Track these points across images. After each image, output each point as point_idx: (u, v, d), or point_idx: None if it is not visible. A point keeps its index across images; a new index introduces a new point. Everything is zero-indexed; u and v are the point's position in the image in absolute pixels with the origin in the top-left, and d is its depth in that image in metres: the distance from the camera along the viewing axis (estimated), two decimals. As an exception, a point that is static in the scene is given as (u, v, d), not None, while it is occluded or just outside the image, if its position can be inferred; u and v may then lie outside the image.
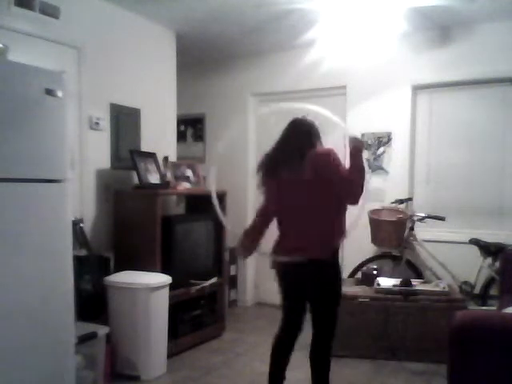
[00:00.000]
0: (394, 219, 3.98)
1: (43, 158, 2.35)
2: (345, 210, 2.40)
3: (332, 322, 2.42)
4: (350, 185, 2.26)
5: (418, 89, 4.32)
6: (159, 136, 4.15)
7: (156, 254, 3.41)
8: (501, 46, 3.91)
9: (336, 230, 2.37)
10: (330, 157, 2.31)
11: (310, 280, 2.35)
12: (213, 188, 2.58)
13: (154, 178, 3.69)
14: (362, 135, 4.40)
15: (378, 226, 3.98)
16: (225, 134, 2.74)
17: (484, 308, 3.74)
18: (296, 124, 2.49)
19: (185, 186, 3.93)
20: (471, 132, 4.15)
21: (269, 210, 2.51)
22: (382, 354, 3.49)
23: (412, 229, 4.02)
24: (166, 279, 3.25)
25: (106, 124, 3.64)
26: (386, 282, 3.71)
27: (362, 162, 2.31)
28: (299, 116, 2.52)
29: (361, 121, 4.42)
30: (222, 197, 4.10)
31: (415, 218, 4.01)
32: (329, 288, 2.38)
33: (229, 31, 4.26)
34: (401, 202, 4.11)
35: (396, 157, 4.32)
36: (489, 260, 3.82)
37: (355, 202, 2.29)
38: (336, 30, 4.13)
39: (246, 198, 5.06)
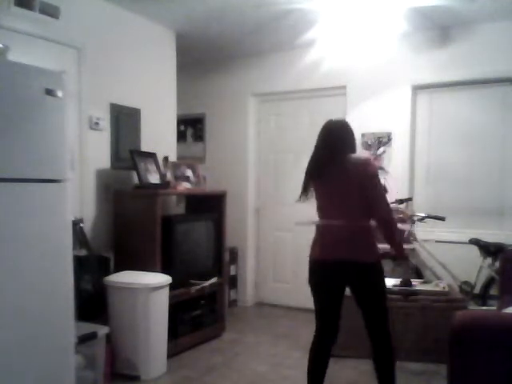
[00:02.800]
0: (393, 219, 3.97)
1: (43, 158, 2.35)
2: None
3: None
4: (386, 214, 2.42)
5: (417, 89, 4.33)
6: (159, 136, 4.15)
7: (156, 254, 3.41)
8: (501, 46, 3.91)
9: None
10: (375, 172, 2.43)
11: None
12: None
13: (154, 178, 3.69)
14: (362, 135, 4.40)
15: (378, 226, 3.98)
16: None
17: (484, 308, 3.74)
18: (337, 126, 2.55)
19: (185, 185, 3.93)
20: (471, 132, 4.15)
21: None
22: (382, 353, 3.49)
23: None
24: (165, 279, 3.25)
25: (106, 124, 3.64)
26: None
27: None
28: (335, 118, 2.59)
29: (361, 121, 4.41)
30: (221, 197, 4.11)
31: (415, 218, 4.01)
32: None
33: (229, 31, 4.26)
34: (401, 201, 4.10)
35: (396, 157, 4.32)
36: (489, 260, 3.82)
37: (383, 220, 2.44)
38: (336, 29, 4.13)
39: (246, 198, 5.06)
